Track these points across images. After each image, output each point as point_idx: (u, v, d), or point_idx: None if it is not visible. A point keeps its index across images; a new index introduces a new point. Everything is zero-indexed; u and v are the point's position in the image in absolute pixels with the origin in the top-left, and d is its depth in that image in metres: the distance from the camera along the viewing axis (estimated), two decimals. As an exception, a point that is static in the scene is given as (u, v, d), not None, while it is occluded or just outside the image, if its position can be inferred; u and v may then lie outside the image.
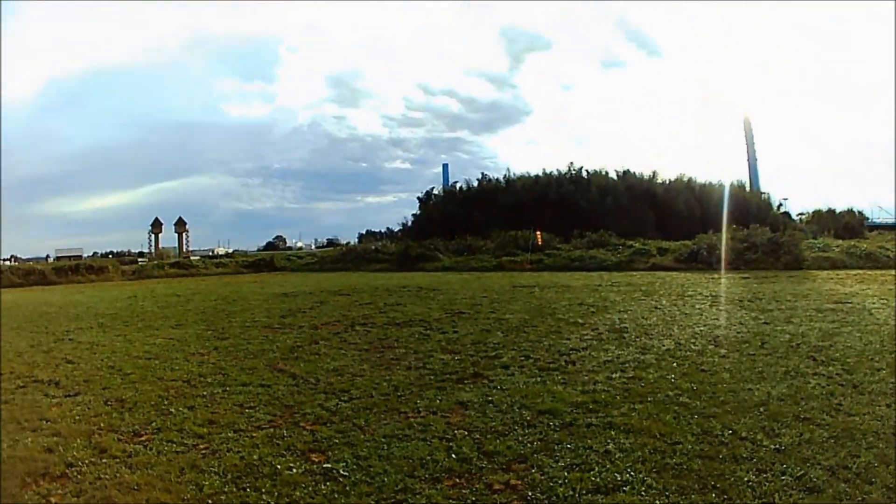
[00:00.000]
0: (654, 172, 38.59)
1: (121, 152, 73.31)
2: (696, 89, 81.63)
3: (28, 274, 25.83)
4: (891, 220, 43.87)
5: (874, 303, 10.37)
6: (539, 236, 25.01)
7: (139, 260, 39.63)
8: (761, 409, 4.47)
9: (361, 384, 5.43)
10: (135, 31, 73.45)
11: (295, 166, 77.23)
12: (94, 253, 50.54)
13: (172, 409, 4.78)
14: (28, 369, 6.50)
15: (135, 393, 5.39)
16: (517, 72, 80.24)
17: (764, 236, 21.44)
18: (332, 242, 54.33)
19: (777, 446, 3.70)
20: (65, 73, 68.53)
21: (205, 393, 5.29)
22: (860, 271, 17.47)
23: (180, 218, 52.35)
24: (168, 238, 51.85)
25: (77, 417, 4.64)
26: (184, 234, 51.82)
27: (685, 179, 38.23)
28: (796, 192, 46.72)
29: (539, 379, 5.50)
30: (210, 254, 47.61)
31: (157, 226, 51.13)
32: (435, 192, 43.59)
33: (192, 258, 38.64)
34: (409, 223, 41.94)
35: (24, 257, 44.04)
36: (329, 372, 5.96)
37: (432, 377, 5.64)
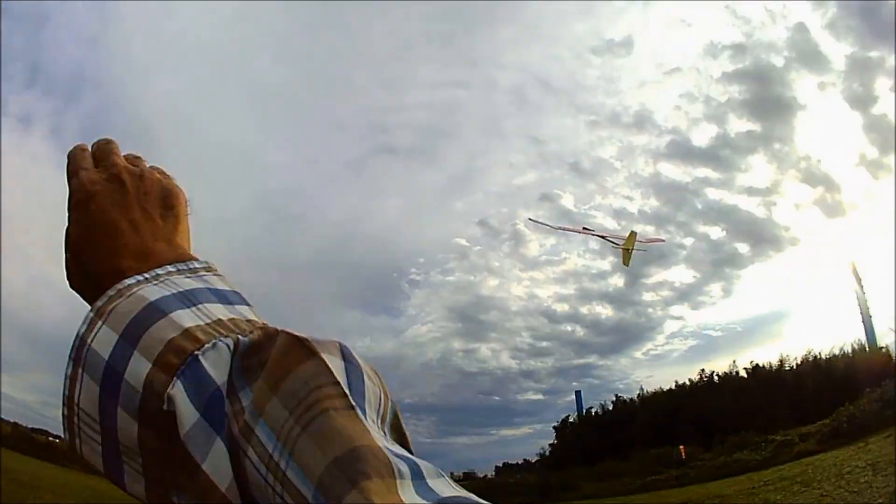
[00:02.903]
0: (780, 360, 37.56)
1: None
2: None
3: None
4: None
5: None
6: (682, 450, 24.90)
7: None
8: None
9: None
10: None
11: (427, 401, 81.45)
12: None
13: None
14: None
15: None
16: (636, 287, 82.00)
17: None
18: (468, 475, 55.30)
19: None
20: None
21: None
22: None
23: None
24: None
25: None
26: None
27: (810, 358, 36.85)
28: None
29: None
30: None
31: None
32: (570, 420, 45.36)
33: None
34: (547, 453, 43.27)
35: None
36: None
37: None
